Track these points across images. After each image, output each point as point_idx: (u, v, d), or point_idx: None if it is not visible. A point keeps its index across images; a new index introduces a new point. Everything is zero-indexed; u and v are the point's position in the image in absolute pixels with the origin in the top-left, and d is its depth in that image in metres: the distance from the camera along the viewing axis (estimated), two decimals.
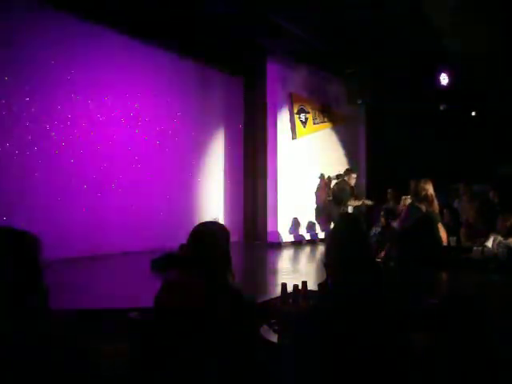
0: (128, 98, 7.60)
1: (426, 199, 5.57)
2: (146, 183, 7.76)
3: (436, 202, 5.74)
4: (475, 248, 6.51)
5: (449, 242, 6.63)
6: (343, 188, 9.06)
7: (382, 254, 7.15)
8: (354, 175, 9.24)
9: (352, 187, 9.13)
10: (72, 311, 3.69)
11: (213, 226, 2.53)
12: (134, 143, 7.65)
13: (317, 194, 9.93)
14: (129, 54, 7.56)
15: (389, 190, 9.65)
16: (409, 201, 5.98)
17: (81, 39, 6.93)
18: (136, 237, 7.51)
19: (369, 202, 9.28)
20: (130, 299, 4.14)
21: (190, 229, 2.53)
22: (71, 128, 6.92)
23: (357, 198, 9.22)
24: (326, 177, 9.94)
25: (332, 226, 9.10)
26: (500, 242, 6.49)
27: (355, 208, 9.26)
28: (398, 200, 9.39)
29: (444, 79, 9.57)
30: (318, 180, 9.95)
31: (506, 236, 6.49)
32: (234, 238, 9.83)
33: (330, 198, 9.33)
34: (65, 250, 6.26)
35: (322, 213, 9.82)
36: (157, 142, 7.99)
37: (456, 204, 8.87)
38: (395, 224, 5.98)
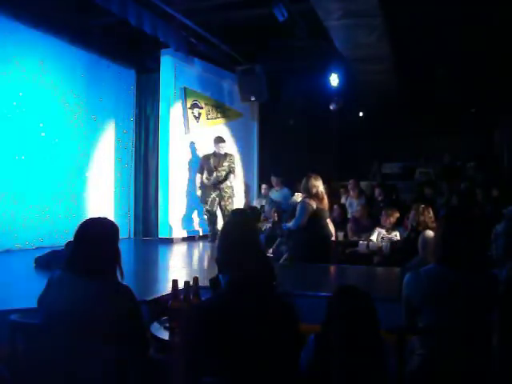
0: (10, 87, 7.13)
1: (317, 196, 5.70)
2: (30, 176, 7.33)
3: (326, 199, 5.87)
4: (361, 242, 6.87)
5: (336, 236, 6.93)
6: (206, 155, 9.00)
7: (271, 249, 7.32)
8: (223, 144, 8.95)
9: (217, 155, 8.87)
10: None
11: (100, 222, 2.45)
12: (17, 134, 7.19)
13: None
14: (12, 38, 7.09)
15: (263, 186, 9.93)
16: (300, 197, 6.04)
17: None
18: (19, 234, 7.11)
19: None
20: (12, 300, 3.91)
21: (77, 225, 2.45)
22: None
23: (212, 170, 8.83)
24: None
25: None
26: (383, 237, 6.90)
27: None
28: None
29: (334, 80, 9.95)
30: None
31: (389, 231, 6.92)
32: (123, 235, 9.61)
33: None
34: None
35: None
36: (41, 134, 7.58)
37: (344, 200, 9.28)
38: (290, 222, 5.95)
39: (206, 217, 8.98)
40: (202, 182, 8.92)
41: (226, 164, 8.92)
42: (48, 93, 7.64)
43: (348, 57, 9.23)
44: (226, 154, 9.02)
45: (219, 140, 9.03)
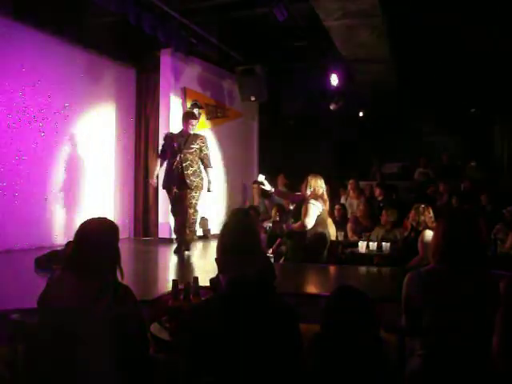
0: (10, 87, 7.12)
1: (322, 197, 5.67)
2: (30, 177, 7.32)
3: (328, 199, 5.86)
4: (361, 242, 6.86)
5: (337, 236, 6.93)
6: (169, 133, 7.51)
7: (271, 250, 7.29)
8: (194, 121, 7.27)
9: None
10: None
11: (100, 222, 2.45)
12: (17, 135, 7.17)
13: None
14: (12, 38, 7.09)
15: (254, 185, 9.92)
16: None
17: None
18: (19, 234, 7.10)
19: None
20: (12, 300, 3.90)
21: (77, 225, 2.44)
22: None
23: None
24: None
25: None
26: (383, 237, 6.90)
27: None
28: (265, 195, 9.67)
29: (334, 80, 9.94)
30: None
31: (389, 230, 6.92)
32: (123, 235, 9.55)
33: None
34: None
35: None
36: (41, 134, 7.57)
37: (344, 200, 9.28)
38: (296, 224, 5.79)
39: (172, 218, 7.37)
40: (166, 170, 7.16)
41: (195, 146, 7.05)
42: (48, 93, 7.63)
43: (348, 57, 9.23)
44: (195, 135, 7.18)
45: (190, 116, 7.37)
